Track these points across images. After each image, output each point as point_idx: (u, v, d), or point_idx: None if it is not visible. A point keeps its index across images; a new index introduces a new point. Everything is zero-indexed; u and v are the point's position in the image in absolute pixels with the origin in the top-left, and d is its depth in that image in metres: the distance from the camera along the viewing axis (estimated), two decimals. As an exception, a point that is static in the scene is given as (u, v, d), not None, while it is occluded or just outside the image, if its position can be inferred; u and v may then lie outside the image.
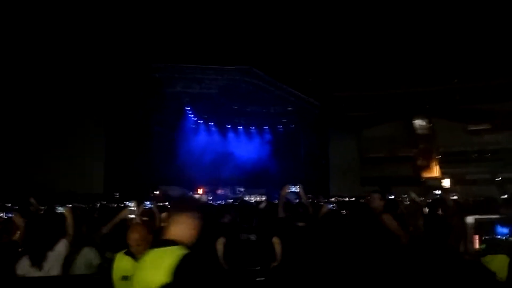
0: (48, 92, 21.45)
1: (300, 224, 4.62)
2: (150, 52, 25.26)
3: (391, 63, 30.82)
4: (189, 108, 30.69)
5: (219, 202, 19.99)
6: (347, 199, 16.35)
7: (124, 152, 24.09)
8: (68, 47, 21.65)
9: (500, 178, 28.57)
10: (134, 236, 3.21)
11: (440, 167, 32.01)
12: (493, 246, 3.02)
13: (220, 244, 4.27)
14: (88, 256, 3.89)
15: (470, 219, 3.66)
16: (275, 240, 4.17)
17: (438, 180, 31.12)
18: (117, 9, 22.88)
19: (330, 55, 30.51)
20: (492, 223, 3.18)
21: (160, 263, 2.07)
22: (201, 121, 32.68)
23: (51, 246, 3.61)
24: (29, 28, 20.19)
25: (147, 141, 26.12)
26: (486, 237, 3.13)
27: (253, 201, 25.97)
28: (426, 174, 32.01)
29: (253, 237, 4.23)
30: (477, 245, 3.39)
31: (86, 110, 23.40)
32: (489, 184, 26.95)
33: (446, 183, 30.49)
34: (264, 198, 26.07)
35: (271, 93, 30.50)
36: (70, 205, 4.53)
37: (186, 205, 2.49)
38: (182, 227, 2.31)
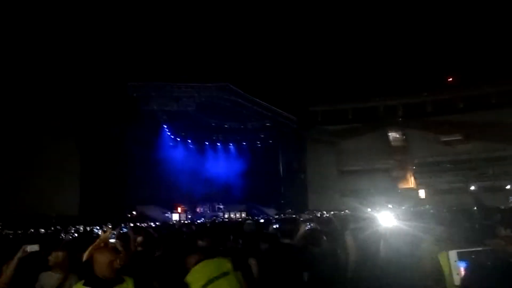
0: (21, 110, 20.88)
1: (286, 241, 4.51)
2: (127, 70, 25.09)
3: (363, 76, 31.65)
4: (166, 126, 30.49)
5: (198, 221, 19.75)
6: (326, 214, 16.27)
7: (100, 173, 23.53)
8: (44, 63, 21.23)
9: (475, 188, 29.21)
10: (102, 260, 2.87)
11: (415, 178, 32.63)
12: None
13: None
14: (72, 282, 3.81)
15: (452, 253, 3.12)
16: (252, 262, 4.06)
17: (414, 191, 31.73)
18: (94, 28, 22.77)
19: (305, 71, 31.13)
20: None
21: None
22: (179, 139, 32.50)
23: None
24: (4, 45, 19.76)
25: (123, 160, 25.55)
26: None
27: (233, 218, 25.76)
28: (403, 185, 32.57)
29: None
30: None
31: (61, 130, 22.86)
32: (463, 193, 27.42)
33: (421, 193, 31.10)
34: (244, 215, 25.98)
35: (249, 109, 30.68)
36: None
37: None
38: None
